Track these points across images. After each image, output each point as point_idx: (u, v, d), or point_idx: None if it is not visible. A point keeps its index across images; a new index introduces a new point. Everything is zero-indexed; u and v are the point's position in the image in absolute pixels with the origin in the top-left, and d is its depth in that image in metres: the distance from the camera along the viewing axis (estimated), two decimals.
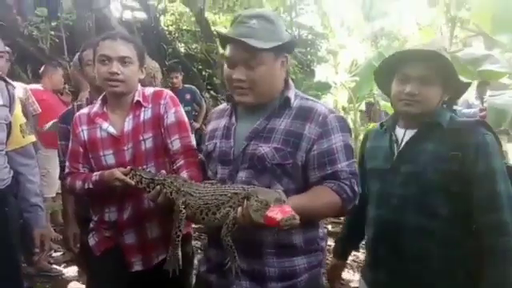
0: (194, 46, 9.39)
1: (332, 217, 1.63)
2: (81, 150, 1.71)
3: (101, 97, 1.75)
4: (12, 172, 1.78)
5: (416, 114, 1.50)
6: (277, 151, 1.35)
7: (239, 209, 1.21)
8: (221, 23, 10.39)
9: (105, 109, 1.72)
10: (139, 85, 1.74)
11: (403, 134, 1.57)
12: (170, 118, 1.68)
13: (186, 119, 1.74)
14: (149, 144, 1.67)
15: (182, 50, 9.12)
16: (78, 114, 1.77)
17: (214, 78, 8.64)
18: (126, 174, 1.54)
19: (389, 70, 1.58)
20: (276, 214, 1.11)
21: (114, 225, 1.70)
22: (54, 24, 6.39)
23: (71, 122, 2.04)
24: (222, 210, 1.27)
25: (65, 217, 2.21)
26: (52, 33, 6.33)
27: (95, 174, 1.63)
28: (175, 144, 1.66)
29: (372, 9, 9.40)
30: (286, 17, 10.43)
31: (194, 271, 1.83)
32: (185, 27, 10.06)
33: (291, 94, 1.43)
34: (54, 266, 3.52)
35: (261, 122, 1.40)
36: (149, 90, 1.75)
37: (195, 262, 2.00)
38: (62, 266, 3.58)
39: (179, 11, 10.09)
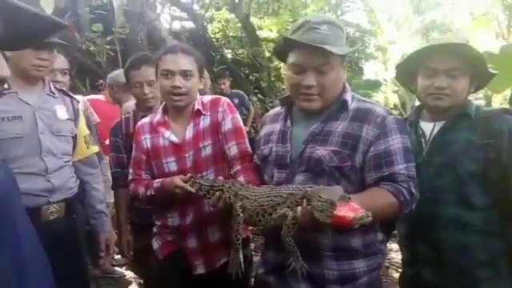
0: (240, 51, 9.51)
1: (388, 219, 1.58)
2: (143, 157, 1.78)
3: (162, 106, 1.82)
4: (78, 181, 1.90)
5: (446, 107, 1.52)
6: (335, 154, 1.35)
7: (299, 208, 1.20)
8: (266, 27, 10.43)
9: (166, 118, 1.78)
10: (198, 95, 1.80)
11: (432, 127, 1.58)
12: (228, 125, 1.72)
13: (243, 125, 1.78)
14: (208, 151, 1.71)
15: (229, 55, 9.28)
16: (140, 123, 1.85)
17: (261, 82, 8.70)
18: (185, 182, 1.59)
19: (413, 65, 1.60)
20: (346, 212, 1.08)
21: (177, 229, 1.75)
22: (108, 38, 6.72)
23: (119, 135, 2.16)
24: (278, 211, 1.27)
25: (118, 225, 2.28)
26: (107, 47, 6.65)
27: (157, 181, 1.69)
28: (232, 150, 1.69)
29: (422, 1, 9.05)
30: (332, 15, 10.29)
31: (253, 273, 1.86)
32: (231, 33, 10.20)
33: (348, 96, 1.43)
34: (117, 268, 3.69)
35: (318, 126, 1.41)
36: (207, 98, 1.81)
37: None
38: (124, 267, 3.75)
39: (225, 18, 10.26)
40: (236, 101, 5.78)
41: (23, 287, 0.77)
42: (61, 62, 2.26)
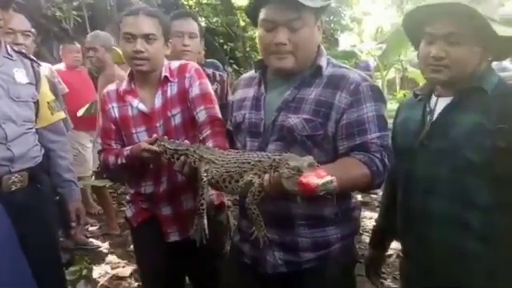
0: (214, 19, 9.26)
1: (360, 191, 1.56)
2: (112, 126, 1.72)
3: (128, 73, 1.75)
4: (43, 150, 1.81)
5: (445, 81, 1.27)
6: (307, 122, 1.30)
7: (266, 176, 1.16)
8: None
9: (133, 85, 1.71)
10: (165, 61, 1.73)
11: (436, 104, 1.33)
12: (195, 91, 1.67)
13: (211, 91, 1.72)
14: (178, 119, 1.67)
15: (203, 24, 9.02)
16: (106, 90, 1.77)
17: (236, 52, 8.55)
18: (152, 144, 1.54)
19: (417, 29, 1.34)
20: (311, 179, 1.04)
21: (151, 197, 1.73)
22: (75, 4, 6.41)
23: None
24: (245, 178, 1.23)
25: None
26: (74, 13, 6.35)
27: (126, 148, 1.65)
28: (201, 115, 1.65)
29: None
30: None
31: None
32: (205, 1, 9.92)
33: (323, 61, 1.37)
34: (91, 240, 3.65)
35: (291, 92, 1.35)
36: (174, 63, 1.74)
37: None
38: (99, 239, 3.71)
39: None
40: (210, 71, 5.65)
41: None
42: (21, 22, 2.10)
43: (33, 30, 2.50)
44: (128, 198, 1.83)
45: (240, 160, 1.26)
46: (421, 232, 1.33)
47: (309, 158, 1.12)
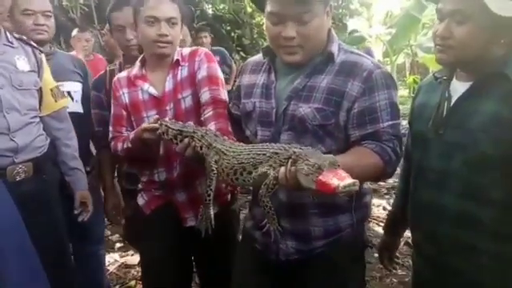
0: (221, 6, 9.19)
1: (372, 181, 1.52)
2: (124, 112, 1.71)
3: (140, 58, 1.73)
4: (48, 139, 1.80)
5: (451, 62, 1.19)
6: (318, 111, 1.27)
7: (282, 169, 1.12)
8: None
9: (144, 71, 1.70)
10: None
11: (457, 89, 1.22)
12: (202, 73, 1.65)
13: (220, 74, 1.70)
14: (188, 102, 1.66)
15: (210, 11, 8.97)
16: (116, 77, 1.76)
17: (243, 39, 8.49)
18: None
19: None
20: (331, 179, 1.00)
21: (165, 183, 1.71)
22: None
23: (103, 89, 2.04)
24: (259, 169, 1.19)
25: (103, 188, 2.22)
26: (81, 2, 6.35)
27: (132, 132, 1.63)
28: (205, 96, 1.62)
29: None
30: None
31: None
32: None
33: (335, 47, 1.32)
34: None
35: (301, 80, 1.31)
36: (186, 49, 1.73)
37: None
38: (108, 227, 3.74)
39: None
40: (217, 58, 5.53)
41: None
42: (40, 2, 2.01)
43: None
44: (139, 186, 1.81)
45: (254, 151, 1.22)
46: (431, 226, 1.27)
47: (331, 157, 1.07)
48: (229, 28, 8.56)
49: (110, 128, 1.76)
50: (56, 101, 1.84)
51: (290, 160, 1.10)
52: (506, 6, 1.07)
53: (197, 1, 8.68)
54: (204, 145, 1.35)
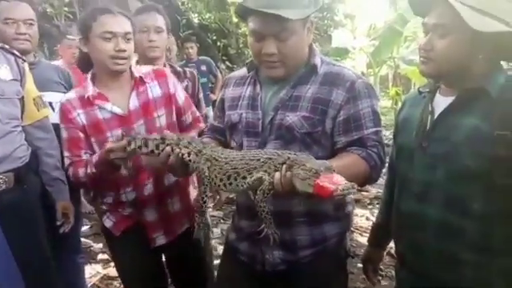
0: (207, 15, 9.23)
1: (359, 185, 1.55)
2: (80, 135, 1.60)
3: (89, 77, 1.64)
4: (30, 149, 1.78)
5: (431, 74, 1.23)
6: (305, 120, 1.31)
7: (277, 174, 1.14)
8: None
9: (97, 89, 1.61)
10: (167, 66, 1.78)
11: (439, 104, 1.25)
12: (181, 97, 1.72)
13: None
14: (163, 121, 1.65)
15: (196, 20, 8.99)
16: (65, 100, 1.63)
17: (229, 48, 8.53)
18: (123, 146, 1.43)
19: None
20: (328, 183, 1.03)
21: (134, 203, 1.66)
22: (66, 0, 6.36)
23: None
24: (254, 175, 1.20)
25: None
26: (66, 9, 6.31)
27: (95, 155, 1.54)
28: (188, 119, 1.74)
29: None
30: None
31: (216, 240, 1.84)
32: None
33: (317, 60, 1.37)
34: (82, 239, 3.61)
35: (287, 91, 1.35)
36: (145, 67, 1.72)
37: (216, 230, 2.01)
38: (90, 238, 3.68)
39: None
40: (203, 68, 5.63)
41: None
42: (22, 10, 1.97)
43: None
44: (104, 207, 1.73)
45: (247, 157, 1.23)
46: (414, 237, 1.29)
47: (326, 162, 1.11)
48: (215, 37, 8.59)
49: (66, 154, 1.63)
50: (39, 110, 1.82)
51: (285, 165, 1.13)
52: (483, 22, 1.11)
53: (183, 10, 8.71)
54: (192, 152, 1.33)
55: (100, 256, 3.37)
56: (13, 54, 1.76)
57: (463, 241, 1.18)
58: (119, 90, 1.63)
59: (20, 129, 1.73)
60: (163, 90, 1.67)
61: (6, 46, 1.77)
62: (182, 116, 1.72)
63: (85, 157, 1.60)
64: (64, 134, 1.62)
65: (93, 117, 1.59)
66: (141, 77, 1.64)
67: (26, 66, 1.81)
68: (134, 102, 1.62)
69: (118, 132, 1.55)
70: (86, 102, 1.60)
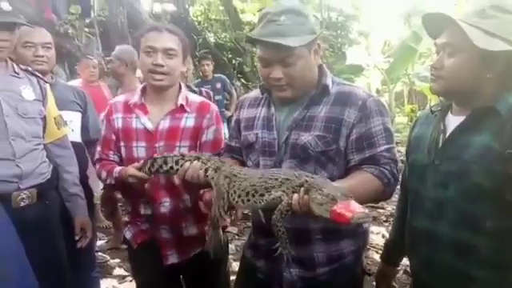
0: (223, 35, 9.41)
1: (372, 202, 1.57)
2: (113, 137, 1.72)
3: (140, 87, 1.75)
4: (51, 166, 1.84)
5: (441, 91, 1.26)
6: (319, 139, 1.34)
7: (295, 196, 1.17)
8: (249, 11, 10.33)
9: (143, 99, 1.71)
10: (183, 87, 1.75)
11: (451, 123, 1.27)
12: (209, 136, 1.69)
13: (223, 138, 1.74)
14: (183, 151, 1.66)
15: (212, 39, 9.17)
16: (113, 101, 1.79)
17: (244, 66, 8.66)
18: (139, 169, 1.52)
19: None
20: (346, 211, 1.06)
21: (150, 218, 1.71)
22: (87, 21, 6.58)
23: None
24: (272, 193, 1.24)
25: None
26: (86, 29, 6.52)
27: (115, 171, 1.63)
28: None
29: None
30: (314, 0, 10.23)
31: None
32: (213, 16, 10.09)
33: (329, 81, 1.41)
34: (99, 253, 3.66)
35: (301, 112, 1.39)
36: (194, 97, 1.76)
37: (230, 246, 2.02)
38: (107, 253, 3.73)
39: (207, 1, 10.12)
40: (218, 85, 5.72)
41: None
42: (41, 35, 2.08)
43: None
44: (127, 218, 1.84)
45: (266, 175, 1.27)
46: (426, 254, 1.30)
47: (343, 188, 1.13)
48: (230, 56, 8.74)
49: (98, 148, 1.77)
50: (59, 128, 1.89)
51: (303, 188, 1.15)
52: (490, 41, 1.15)
53: (200, 30, 8.91)
54: (211, 168, 1.38)
55: (116, 271, 3.41)
56: (36, 75, 1.84)
57: (476, 258, 1.19)
58: (160, 107, 1.69)
59: (42, 147, 1.80)
60: (196, 123, 1.69)
61: (30, 69, 1.86)
62: (199, 150, 1.69)
63: (112, 157, 1.71)
64: (102, 131, 1.78)
65: (128, 124, 1.69)
66: (182, 105, 1.68)
67: (48, 86, 1.89)
68: (164, 124, 1.67)
69: (143, 145, 1.65)
70: (128, 108, 1.70)
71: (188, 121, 1.68)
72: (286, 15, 1.31)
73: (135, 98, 1.71)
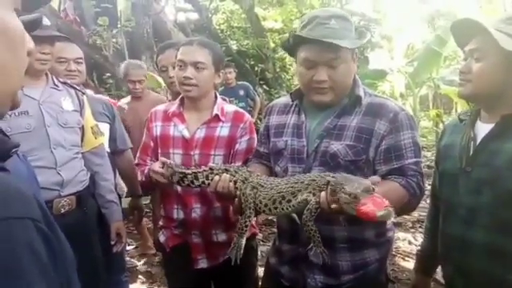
0: (245, 42, 9.50)
1: (398, 213, 1.57)
2: (151, 143, 1.82)
3: (180, 97, 1.84)
4: (89, 174, 1.94)
5: (468, 95, 1.29)
6: (349, 148, 1.37)
7: (322, 194, 1.21)
8: (270, 17, 10.39)
9: (181, 109, 1.80)
10: (219, 97, 1.81)
11: (480, 130, 1.30)
12: (242, 145, 1.74)
13: (255, 145, 1.77)
14: (217, 160, 1.72)
15: (234, 47, 9.26)
16: (154, 109, 1.87)
17: (267, 73, 8.69)
18: (169, 176, 1.58)
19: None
20: (370, 208, 1.07)
21: (183, 223, 1.78)
22: (114, 32, 6.75)
23: None
24: (298, 197, 1.28)
25: (153, 219, 2.33)
26: (114, 40, 6.69)
27: (147, 168, 1.74)
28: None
29: None
30: (336, 4, 10.22)
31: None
32: (236, 24, 10.20)
33: (361, 91, 1.44)
34: (129, 259, 3.75)
35: (332, 120, 1.42)
36: (229, 107, 1.82)
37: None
38: (136, 258, 3.82)
39: (230, 9, 10.24)
40: (242, 92, 5.79)
41: None
42: (72, 50, 2.22)
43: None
44: (161, 223, 1.90)
45: (292, 181, 1.31)
46: (461, 261, 1.31)
47: (365, 183, 1.14)
48: (252, 62, 8.80)
49: (138, 154, 1.89)
50: (96, 138, 1.99)
51: (329, 187, 1.18)
52: None
53: (222, 38, 9.02)
54: (239, 180, 1.44)
55: (145, 276, 3.49)
56: (74, 87, 1.95)
57: (510, 262, 1.20)
58: (197, 116, 1.77)
59: (80, 155, 1.89)
60: (231, 132, 1.74)
61: (68, 81, 1.97)
62: (231, 161, 1.74)
63: (149, 163, 1.80)
64: (143, 137, 1.88)
65: (166, 131, 1.78)
66: (217, 114, 1.74)
67: (86, 98, 1.99)
68: (200, 133, 1.74)
69: (179, 152, 1.73)
70: (166, 117, 1.79)
71: (223, 130, 1.74)
72: (336, 19, 1.37)
73: (174, 107, 1.80)
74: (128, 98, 3.57)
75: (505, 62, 1.20)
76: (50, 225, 0.54)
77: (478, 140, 1.29)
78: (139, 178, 1.82)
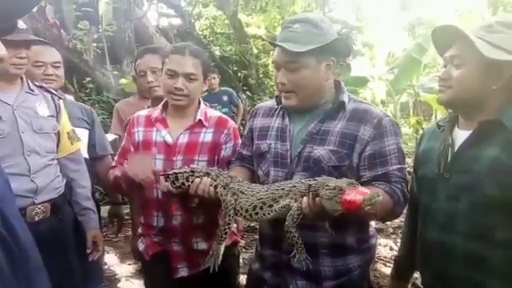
0: (228, 48, 9.50)
1: (381, 219, 1.58)
2: (131, 148, 1.78)
3: (163, 102, 1.81)
4: (65, 180, 1.88)
5: (448, 101, 1.29)
6: (333, 153, 1.37)
7: (304, 199, 1.21)
8: (254, 24, 10.43)
9: (164, 114, 1.77)
10: (202, 102, 1.80)
11: (458, 137, 1.31)
12: (227, 151, 1.73)
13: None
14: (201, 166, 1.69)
15: (217, 52, 9.25)
16: (136, 114, 1.84)
17: (250, 79, 8.71)
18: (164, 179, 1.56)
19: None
20: (355, 196, 1.07)
21: (162, 230, 1.75)
22: (95, 36, 6.66)
23: None
24: (281, 202, 1.27)
25: (132, 227, 2.28)
26: (94, 44, 6.60)
27: (126, 165, 1.71)
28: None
29: None
30: (319, 12, 10.33)
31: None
32: (219, 30, 10.20)
33: (345, 97, 1.44)
34: (107, 267, 3.67)
35: (316, 125, 1.42)
36: (213, 112, 1.80)
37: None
38: (115, 267, 3.74)
39: (213, 15, 10.24)
40: (225, 98, 5.77)
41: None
42: (50, 54, 2.16)
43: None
44: (140, 230, 1.86)
45: (273, 187, 1.31)
46: (439, 267, 1.31)
47: (347, 179, 1.15)
48: (235, 68, 8.81)
49: (116, 158, 1.85)
50: (72, 143, 1.94)
51: (311, 189, 1.18)
52: (496, 52, 1.20)
53: (205, 43, 9.00)
54: (220, 184, 1.42)
55: (124, 284, 3.42)
56: (50, 92, 1.90)
57: (489, 269, 1.21)
58: (179, 122, 1.75)
59: (56, 161, 1.84)
60: (215, 137, 1.73)
61: (44, 85, 1.92)
62: (216, 165, 1.72)
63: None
64: (123, 142, 1.83)
65: (148, 136, 1.75)
66: (200, 120, 1.72)
67: (62, 102, 1.94)
68: (182, 138, 1.72)
69: (161, 157, 1.70)
70: (149, 122, 1.76)
71: (206, 135, 1.72)
72: (300, 23, 1.37)
73: (157, 112, 1.77)
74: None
75: (484, 68, 1.21)
76: (9, 231, 0.51)
77: (456, 146, 1.30)
78: (115, 175, 1.74)
